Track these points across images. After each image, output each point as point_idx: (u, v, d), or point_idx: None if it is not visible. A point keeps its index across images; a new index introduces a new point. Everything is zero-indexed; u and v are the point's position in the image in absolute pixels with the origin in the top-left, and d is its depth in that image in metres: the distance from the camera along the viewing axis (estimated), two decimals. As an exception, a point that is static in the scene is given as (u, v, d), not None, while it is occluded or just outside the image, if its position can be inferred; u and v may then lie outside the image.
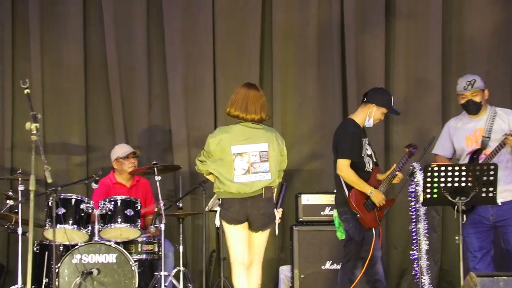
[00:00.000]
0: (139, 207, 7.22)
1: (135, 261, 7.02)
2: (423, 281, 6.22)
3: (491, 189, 5.78)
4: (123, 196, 7.26)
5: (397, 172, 6.46)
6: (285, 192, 6.85)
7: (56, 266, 6.81)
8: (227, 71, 8.42)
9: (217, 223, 5.95)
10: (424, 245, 6.21)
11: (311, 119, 8.42)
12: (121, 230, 7.15)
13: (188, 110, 8.40)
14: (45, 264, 7.06)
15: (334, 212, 6.53)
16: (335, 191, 6.61)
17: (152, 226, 7.22)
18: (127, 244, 7.21)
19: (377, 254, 6.39)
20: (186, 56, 8.43)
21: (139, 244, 7.28)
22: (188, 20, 8.43)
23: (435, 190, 5.79)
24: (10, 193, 7.34)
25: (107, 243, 7.02)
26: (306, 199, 7.52)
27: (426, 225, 6.25)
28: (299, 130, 8.39)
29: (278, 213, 5.98)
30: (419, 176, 6.13)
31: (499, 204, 6.05)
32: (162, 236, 7.16)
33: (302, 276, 7.37)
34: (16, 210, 7.03)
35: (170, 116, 8.39)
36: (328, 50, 8.38)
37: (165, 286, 7.09)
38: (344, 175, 6.32)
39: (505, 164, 6.28)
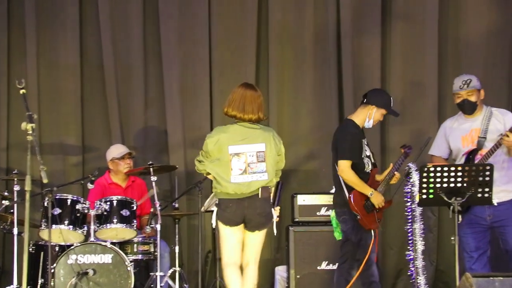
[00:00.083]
0: (135, 208, 7.22)
1: (130, 262, 7.01)
2: (418, 281, 6.22)
3: (486, 189, 5.79)
4: (119, 197, 7.26)
5: (395, 172, 6.46)
6: (282, 190, 6.87)
7: (52, 267, 6.81)
8: (223, 72, 8.42)
9: (214, 223, 5.96)
10: (420, 246, 6.21)
11: (307, 120, 8.42)
12: (116, 231, 7.14)
13: (184, 110, 8.39)
14: (41, 264, 7.06)
15: (332, 213, 6.53)
16: (331, 191, 6.62)
17: (148, 227, 7.21)
18: (123, 245, 7.20)
19: (372, 256, 6.39)
20: (183, 57, 8.43)
21: (135, 245, 7.28)
22: (185, 21, 8.43)
23: (431, 191, 5.80)
24: (6, 194, 7.32)
25: (103, 243, 7.01)
26: (302, 200, 7.53)
27: (422, 226, 6.25)
28: (295, 130, 8.39)
29: (275, 211, 5.99)
30: (415, 177, 6.13)
31: (495, 204, 6.05)
32: (158, 236, 7.15)
33: (298, 276, 7.37)
34: (12, 211, 7.03)
35: (166, 117, 8.39)
36: (324, 51, 8.38)
37: (160, 286, 7.08)
38: (345, 176, 6.32)
39: (501, 164, 6.28)
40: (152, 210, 7.27)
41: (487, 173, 5.76)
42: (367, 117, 6.44)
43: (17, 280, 6.85)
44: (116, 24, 8.43)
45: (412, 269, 6.25)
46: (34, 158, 5.14)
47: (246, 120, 5.88)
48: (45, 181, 5.16)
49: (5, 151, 8.30)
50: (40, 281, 7.03)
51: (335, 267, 6.85)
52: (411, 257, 6.24)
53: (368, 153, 6.45)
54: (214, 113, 8.37)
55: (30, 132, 5.17)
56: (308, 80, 8.43)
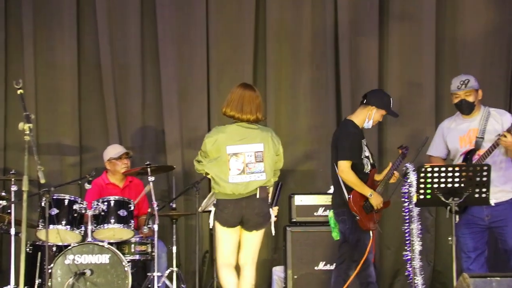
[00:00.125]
0: (132, 208, 7.21)
1: (128, 262, 7.00)
2: (416, 281, 6.22)
3: (484, 189, 5.80)
4: (116, 197, 7.25)
5: (394, 171, 6.46)
6: (280, 190, 6.88)
7: (49, 267, 6.80)
8: (221, 71, 8.42)
9: (211, 223, 5.96)
10: (417, 246, 6.21)
11: (304, 120, 8.42)
12: (114, 231, 7.14)
13: (181, 110, 8.39)
14: (38, 264, 7.04)
15: (330, 213, 6.52)
16: (328, 191, 6.61)
17: (145, 227, 7.21)
18: (120, 245, 7.19)
19: (370, 257, 6.39)
20: (180, 56, 8.42)
21: (132, 245, 7.27)
22: (182, 20, 8.42)
23: (428, 191, 5.80)
24: (3, 194, 7.31)
25: (100, 243, 7.01)
26: (300, 200, 7.52)
27: (419, 226, 6.26)
28: (292, 130, 8.38)
29: (274, 211, 5.98)
30: (412, 177, 6.14)
31: (492, 205, 6.05)
32: (155, 236, 7.15)
33: (295, 276, 7.36)
34: (9, 211, 7.01)
35: (164, 117, 8.38)
36: (322, 50, 8.38)
37: (158, 286, 7.08)
38: (345, 177, 6.31)
39: (499, 165, 6.29)
40: (149, 210, 7.25)
41: (484, 173, 5.77)
42: (366, 117, 6.44)
43: (15, 280, 6.84)
44: (113, 23, 8.42)
45: (410, 269, 6.26)
46: (32, 158, 5.13)
47: (244, 120, 5.88)
48: (42, 181, 5.15)
49: (2, 151, 8.29)
50: (37, 281, 7.01)
51: (332, 267, 6.85)
52: (409, 257, 6.25)
53: (367, 153, 6.44)
54: (212, 113, 8.36)
55: (28, 132, 5.16)
56: (305, 80, 8.42)
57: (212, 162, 5.88)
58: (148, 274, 7.22)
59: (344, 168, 6.29)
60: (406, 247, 6.27)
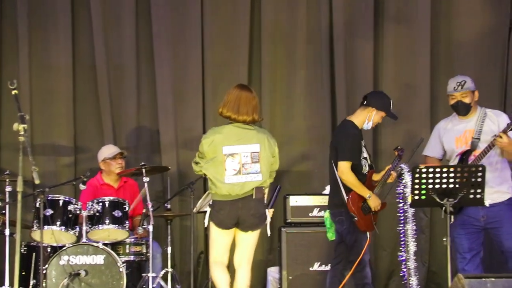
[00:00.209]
0: (127, 208, 7.21)
1: (123, 263, 7.00)
2: (411, 282, 6.22)
3: (479, 190, 5.78)
4: (111, 197, 7.25)
5: (392, 172, 6.46)
6: (278, 193, 6.87)
7: (44, 268, 6.79)
8: (215, 72, 8.42)
9: (206, 222, 5.96)
10: (412, 247, 6.21)
11: (299, 120, 8.42)
12: (109, 231, 7.13)
13: (176, 111, 8.38)
14: (33, 265, 7.03)
15: (326, 213, 6.52)
16: (323, 192, 6.60)
17: (140, 228, 7.20)
18: (115, 246, 7.19)
19: (366, 257, 6.39)
20: (175, 57, 8.42)
21: (127, 246, 7.26)
22: (177, 21, 8.42)
23: (423, 192, 5.79)
24: (-3, 194, 7.31)
25: (95, 244, 7.00)
26: (295, 201, 7.52)
27: (414, 227, 6.26)
28: (287, 131, 8.38)
29: (269, 213, 5.98)
30: (407, 178, 6.14)
31: (487, 205, 6.05)
32: (150, 237, 7.14)
33: (290, 277, 7.36)
34: (4, 211, 6.99)
35: (159, 117, 8.37)
36: (317, 51, 8.39)
37: (153, 287, 7.07)
38: (344, 178, 6.31)
39: (495, 165, 6.28)
40: (144, 211, 7.25)
41: (479, 174, 5.76)
42: (366, 118, 6.45)
43: (9, 281, 6.82)
44: (108, 25, 8.41)
45: (404, 270, 6.25)
46: (26, 159, 5.13)
47: (241, 121, 5.89)
48: (37, 182, 5.15)
49: (-3, 152, 8.29)
50: (32, 282, 7.00)
51: (327, 268, 6.85)
52: (403, 258, 6.24)
53: (365, 154, 6.46)
54: (207, 113, 8.36)
55: (22, 132, 5.16)
56: (300, 81, 8.43)
57: (208, 162, 5.88)
58: (143, 274, 7.22)
59: (344, 169, 6.29)
60: (401, 248, 6.27)
